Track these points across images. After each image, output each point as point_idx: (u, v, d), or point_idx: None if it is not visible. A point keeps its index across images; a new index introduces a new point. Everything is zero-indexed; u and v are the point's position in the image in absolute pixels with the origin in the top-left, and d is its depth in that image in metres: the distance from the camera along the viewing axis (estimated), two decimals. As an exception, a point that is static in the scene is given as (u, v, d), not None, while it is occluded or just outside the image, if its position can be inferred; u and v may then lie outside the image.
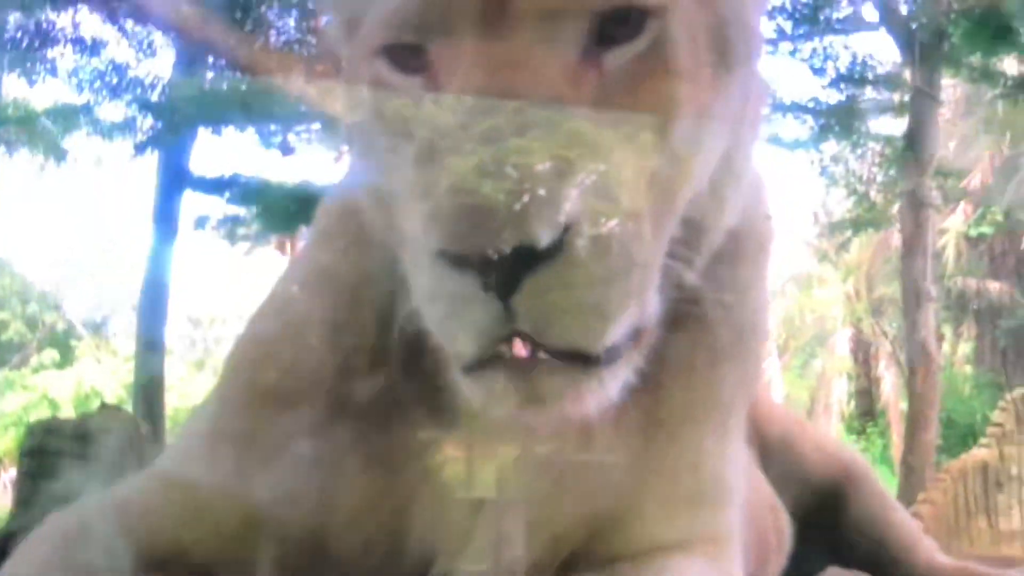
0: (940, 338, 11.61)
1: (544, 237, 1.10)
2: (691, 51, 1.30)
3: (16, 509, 3.26)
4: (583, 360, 1.18)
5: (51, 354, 34.16)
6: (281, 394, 1.52)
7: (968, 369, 22.28)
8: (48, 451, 3.37)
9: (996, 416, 5.32)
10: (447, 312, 1.18)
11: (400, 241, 1.31)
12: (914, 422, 9.31)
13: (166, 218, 11.33)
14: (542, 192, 1.11)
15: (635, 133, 1.24)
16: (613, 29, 1.27)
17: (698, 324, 1.42)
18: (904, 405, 12.93)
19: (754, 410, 2.22)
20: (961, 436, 20.98)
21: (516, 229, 1.10)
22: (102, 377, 33.27)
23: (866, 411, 23.14)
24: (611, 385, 1.22)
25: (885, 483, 2.76)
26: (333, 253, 1.58)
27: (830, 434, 3.47)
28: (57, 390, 33.31)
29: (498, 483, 1.47)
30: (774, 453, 2.56)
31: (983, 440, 5.24)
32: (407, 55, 1.32)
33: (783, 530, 2.43)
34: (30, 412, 32.95)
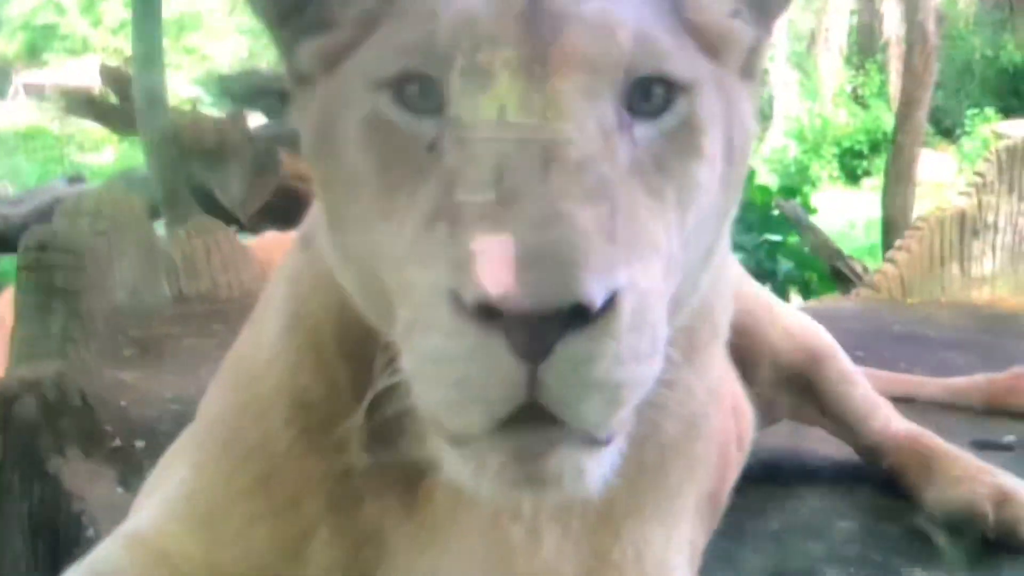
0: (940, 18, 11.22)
1: (598, 298, 1.01)
2: (711, 138, 1.26)
3: (17, 323, 3.32)
4: (590, 441, 1.11)
5: (53, -44, 33.35)
6: (249, 473, 1.55)
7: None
8: (44, 266, 3.40)
9: (979, 166, 5.31)
10: (456, 376, 1.06)
11: (385, 304, 1.24)
12: (908, 102, 9.22)
13: None
14: (596, 251, 1.03)
15: (663, 213, 1.19)
16: (643, 102, 1.21)
17: (649, 415, 1.28)
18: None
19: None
20: (958, 72, 20.87)
21: (569, 285, 1.00)
22: (105, -21, 32.59)
23: (866, 46, 22.76)
24: (607, 469, 1.16)
25: (847, 362, 2.80)
26: (301, 319, 1.54)
27: (798, 314, 3.43)
28: (61, -9, 32.78)
29: (453, 572, 1.51)
30: (743, 338, 2.60)
31: (962, 189, 5.24)
32: (416, 93, 1.21)
33: (745, 431, 2.51)
34: (37, 15, 32.62)
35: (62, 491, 2.62)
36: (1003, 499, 2.44)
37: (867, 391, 2.81)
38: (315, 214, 1.49)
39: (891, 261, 5.22)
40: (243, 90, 10.58)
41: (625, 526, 1.55)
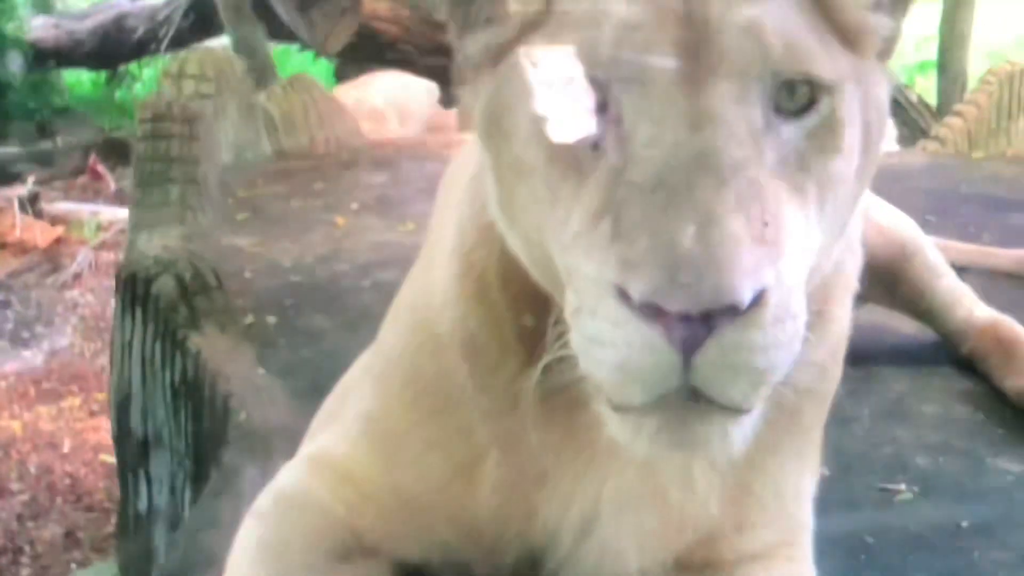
0: None
1: (747, 300, 1.10)
2: (851, 133, 1.32)
3: (137, 190, 3.43)
4: (736, 412, 1.22)
5: None
6: (427, 404, 1.68)
7: None
8: (160, 135, 3.49)
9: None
10: (619, 360, 1.17)
11: (553, 275, 1.34)
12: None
13: None
14: (747, 255, 1.12)
15: (804, 209, 1.26)
16: (788, 101, 1.27)
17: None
18: None
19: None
20: None
21: (722, 289, 1.09)
22: None
23: None
24: (749, 432, 1.27)
25: (934, 254, 2.89)
26: (468, 269, 1.63)
27: (889, 209, 3.36)
28: None
29: (612, 499, 1.64)
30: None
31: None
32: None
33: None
34: None
35: (205, 368, 2.76)
36: (1084, 391, 2.56)
37: (952, 281, 2.90)
38: (480, 170, 1.56)
39: (958, 115, 5.20)
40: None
41: (765, 461, 1.67)
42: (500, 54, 1.39)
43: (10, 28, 12.50)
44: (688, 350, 1.13)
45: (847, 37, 1.34)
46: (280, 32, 10.11)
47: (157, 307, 2.91)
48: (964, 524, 2.23)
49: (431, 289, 1.70)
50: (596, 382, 1.24)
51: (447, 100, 8.25)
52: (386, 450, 1.71)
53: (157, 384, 2.93)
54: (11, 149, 11.49)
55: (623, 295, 1.14)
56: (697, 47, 1.22)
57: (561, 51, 1.30)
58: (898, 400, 2.75)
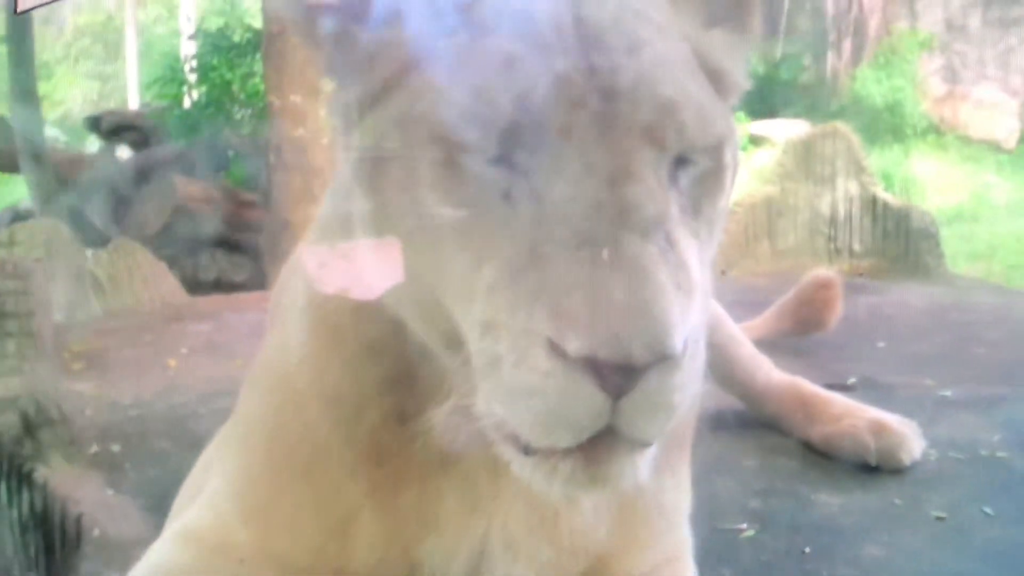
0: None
1: (679, 350, 1.03)
2: (729, 172, 1.23)
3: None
4: (644, 444, 1.13)
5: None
6: (294, 465, 1.46)
7: None
8: (-1, 292, 3.18)
9: (778, 159, 5.52)
10: (549, 408, 1.06)
11: (446, 326, 1.19)
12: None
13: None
14: (675, 307, 1.03)
15: (700, 251, 1.16)
16: (690, 154, 1.17)
17: None
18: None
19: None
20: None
21: (659, 344, 1.02)
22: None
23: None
24: (651, 461, 1.17)
25: (733, 326, 2.86)
26: (322, 323, 1.44)
27: None
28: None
29: (500, 537, 1.46)
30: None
31: (768, 178, 5.44)
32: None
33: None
34: None
35: (54, 497, 2.44)
36: (880, 429, 2.53)
37: (751, 350, 2.86)
38: (341, 221, 1.37)
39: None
40: (108, 127, 10.12)
41: (645, 484, 1.54)
42: (373, 104, 1.22)
43: None
44: (617, 395, 1.04)
45: (719, 87, 1.27)
46: (96, 239, 9.78)
47: (1, 444, 2.58)
48: (807, 550, 2.14)
49: (287, 348, 1.50)
50: (514, 429, 1.10)
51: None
52: (257, 515, 1.48)
53: (4, 521, 2.57)
54: None
55: (553, 347, 1.03)
56: (613, 116, 1.11)
57: (442, 106, 1.14)
58: (720, 458, 2.65)
